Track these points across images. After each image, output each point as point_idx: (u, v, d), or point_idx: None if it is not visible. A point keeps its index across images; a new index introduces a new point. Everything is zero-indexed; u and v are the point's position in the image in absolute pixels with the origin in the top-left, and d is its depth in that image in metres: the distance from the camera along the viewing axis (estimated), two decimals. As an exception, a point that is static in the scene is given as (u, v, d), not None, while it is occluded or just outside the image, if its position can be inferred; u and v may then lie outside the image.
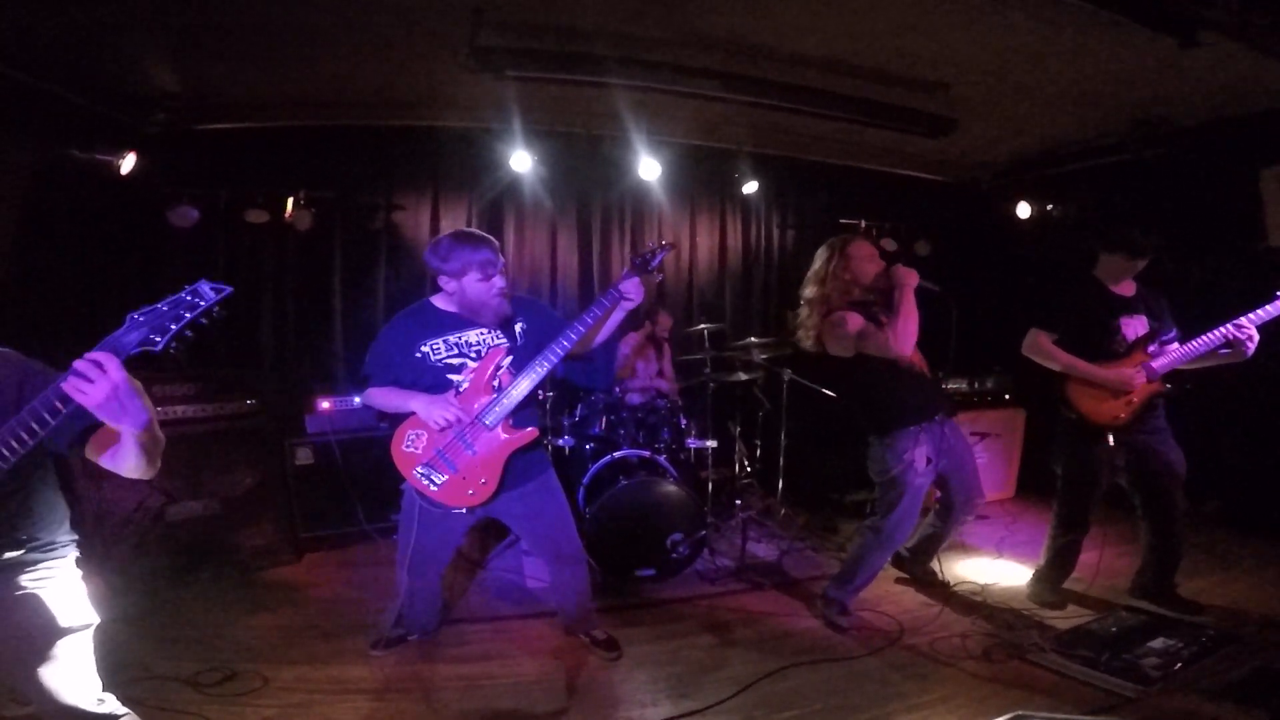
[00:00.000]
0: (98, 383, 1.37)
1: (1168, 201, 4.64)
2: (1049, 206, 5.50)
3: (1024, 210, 5.59)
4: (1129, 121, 4.49)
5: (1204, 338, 3.01)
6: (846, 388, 3.31)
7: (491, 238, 2.67)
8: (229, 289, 1.47)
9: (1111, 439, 3.12)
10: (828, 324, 3.10)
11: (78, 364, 1.37)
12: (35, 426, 1.45)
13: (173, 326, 1.43)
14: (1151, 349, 3.12)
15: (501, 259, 2.67)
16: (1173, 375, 3.12)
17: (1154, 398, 3.14)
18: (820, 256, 3.23)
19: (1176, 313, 3.26)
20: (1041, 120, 4.66)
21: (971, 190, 6.08)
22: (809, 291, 3.22)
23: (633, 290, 2.64)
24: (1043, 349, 3.23)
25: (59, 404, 1.43)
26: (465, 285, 2.62)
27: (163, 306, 1.44)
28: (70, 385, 1.37)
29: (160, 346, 1.43)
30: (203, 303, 1.44)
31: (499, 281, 2.65)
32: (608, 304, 2.67)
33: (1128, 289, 3.24)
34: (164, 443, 1.67)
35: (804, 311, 3.23)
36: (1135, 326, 3.18)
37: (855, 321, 3.03)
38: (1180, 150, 4.55)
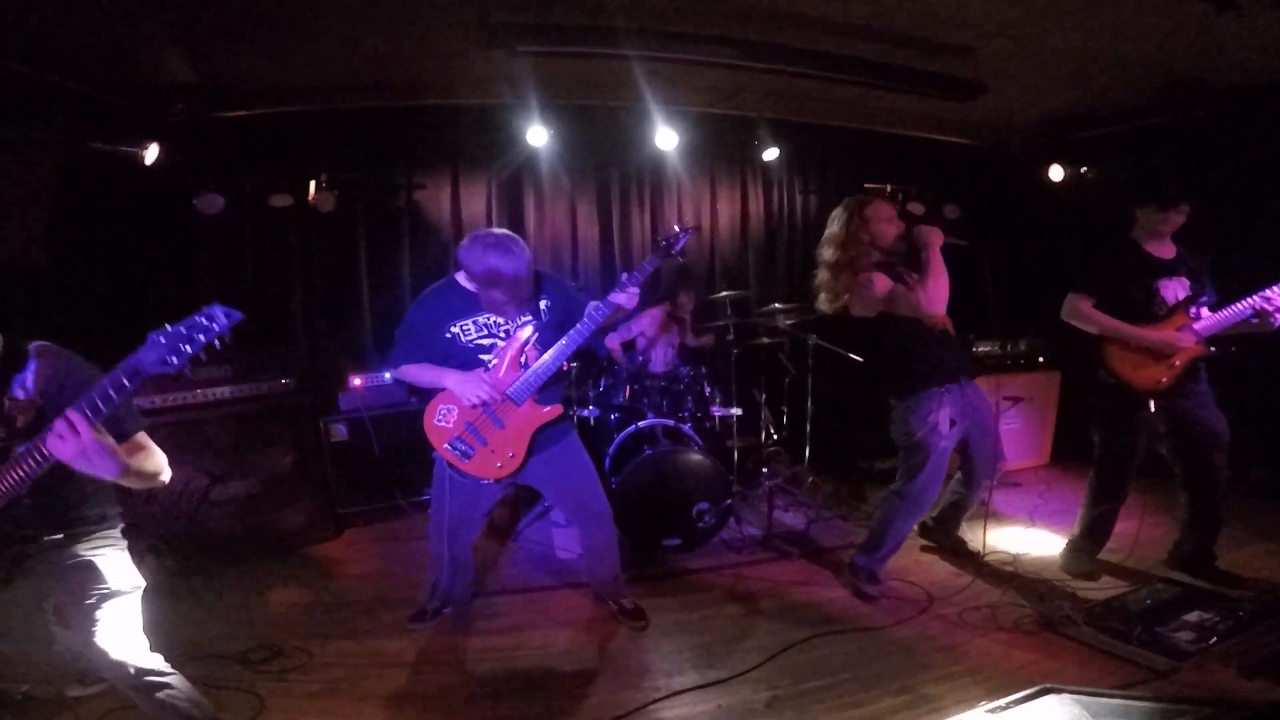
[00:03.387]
0: (68, 441, 1.55)
1: (1208, 165, 4.44)
2: (1083, 169, 5.32)
3: (1057, 173, 5.43)
4: (1164, 84, 4.30)
5: (1234, 307, 2.93)
6: (870, 350, 3.25)
7: (523, 247, 2.66)
8: (240, 315, 1.60)
9: (1152, 405, 3.06)
10: (853, 286, 3.03)
11: (57, 423, 1.55)
12: None
13: (187, 349, 1.56)
14: (1193, 312, 3.03)
15: (530, 269, 2.70)
16: (1216, 338, 3.02)
17: (1196, 361, 3.05)
18: (838, 219, 3.16)
19: (1220, 277, 3.15)
20: (1072, 83, 4.47)
21: (1001, 153, 5.87)
22: (827, 254, 3.16)
23: (628, 300, 2.71)
24: (1082, 313, 3.16)
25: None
26: (485, 292, 2.73)
27: (180, 328, 1.56)
28: (52, 439, 1.56)
29: (176, 367, 1.56)
30: (216, 327, 1.57)
31: (523, 293, 2.73)
32: (601, 317, 2.70)
33: (1167, 251, 3.14)
34: (153, 476, 1.84)
35: (822, 274, 3.18)
36: (1175, 289, 3.08)
37: (882, 284, 2.98)
38: (1220, 113, 4.34)
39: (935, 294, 2.92)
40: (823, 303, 3.19)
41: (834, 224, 3.17)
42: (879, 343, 3.16)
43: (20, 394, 1.74)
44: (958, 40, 3.89)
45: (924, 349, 3.07)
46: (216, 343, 1.57)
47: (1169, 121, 4.55)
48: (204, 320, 1.56)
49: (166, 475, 1.87)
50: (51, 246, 3.84)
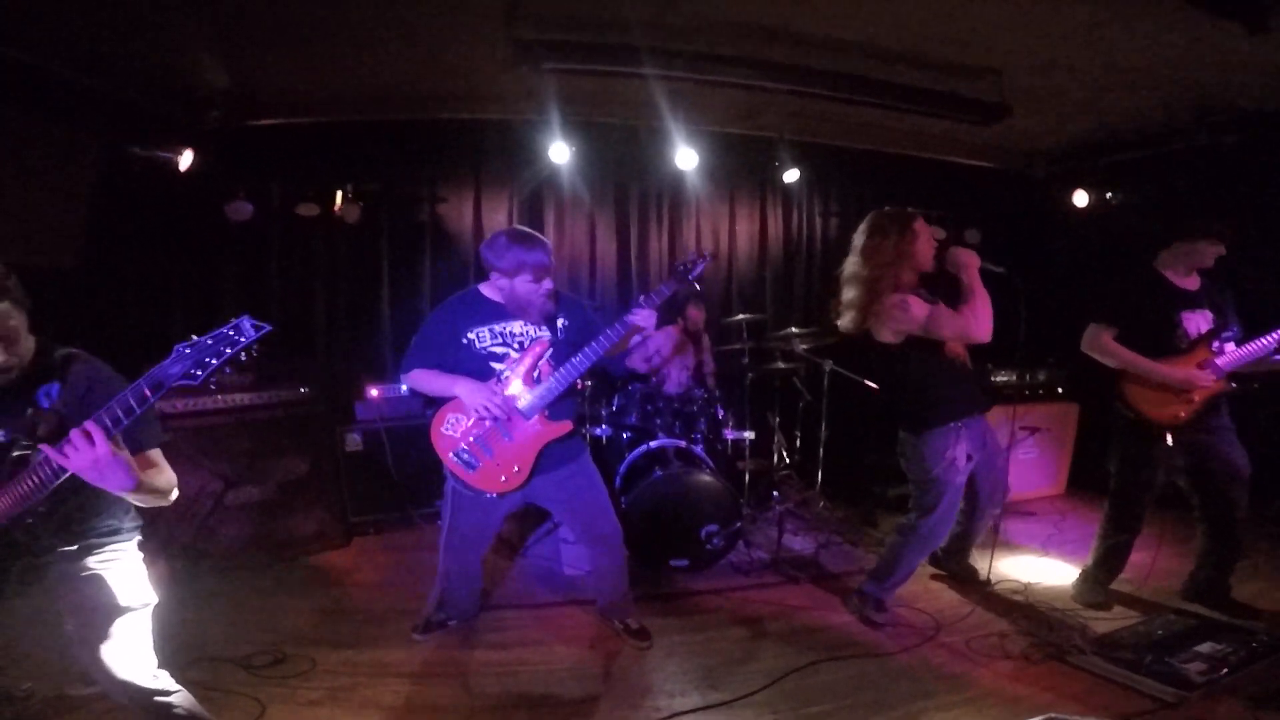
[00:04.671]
0: (82, 452, 1.48)
1: (1237, 190, 4.40)
2: (1108, 195, 5.29)
3: (1081, 199, 5.39)
4: (1193, 108, 4.27)
5: (1258, 342, 2.90)
6: (887, 379, 3.12)
7: (546, 240, 2.72)
8: (268, 327, 1.55)
9: (1170, 439, 3.01)
10: (885, 307, 2.87)
11: (74, 433, 1.49)
12: None
13: (212, 361, 1.52)
14: (1215, 346, 2.99)
15: (553, 265, 2.73)
16: (1239, 374, 2.98)
17: (1217, 397, 3.01)
18: (877, 230, 2.95)
19: (1247, 308, 3.12)
20: (1099, 106, 4.47)
21: (1025, 177, 5.87)
22: (864, 270, 2.93)
23: (644, 320, 2.69)
24: (1102, 346, 3.11)
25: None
26: (516, 284, 2.70)
27: (206, 340, 1.52)
28: (67, 449, 1.50)
29: (200, 380, 1.52)
30: (243, 339, 1.52)
31: (548, 284, 2.72)
32: (617, 336, 2.69)
33: (1192, 283, 3.10)
34: (163, 493, 1.78)
35: (855, 291, 2.97)
36: (1198, 322, 3.04)
37: (920, 308, 2.85)
38: (1250, 137, 4.30)
39: (983, 317, 2.81)
40: (848, 321, 3.02)
41: (874, 236, 2.95)
42: (898, 372, 3.04)
43: (45, 402, 1.72)
44: (983, 63, 3.91)
45: (943, 382, 3.00)
46: (243, 355, 1.54)
47: (1200, 146, 4.52)
48: (230, 332, 1.53)
49: (174, 495, 1.82)
50: (85, 249, 3.94)
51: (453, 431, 2.76)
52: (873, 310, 2.92)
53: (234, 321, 1.54)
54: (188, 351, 1.52)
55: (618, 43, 3.64)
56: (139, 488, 1.63)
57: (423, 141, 5.05)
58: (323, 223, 4.93)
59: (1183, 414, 2.99)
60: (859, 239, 3.03)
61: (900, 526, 3.22)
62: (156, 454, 1.83)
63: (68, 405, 1.71)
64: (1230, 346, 2.98)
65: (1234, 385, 2.99)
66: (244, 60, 3.82)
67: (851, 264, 3.03)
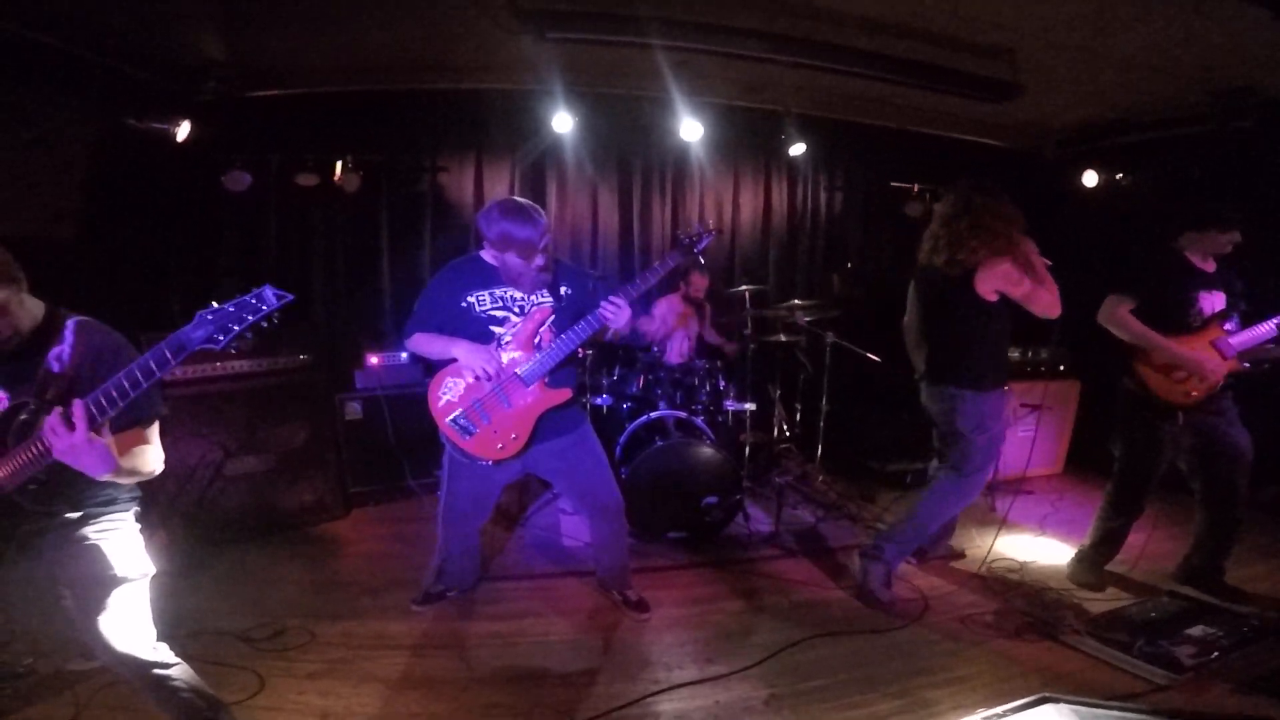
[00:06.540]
0: (61, 435, 1.50)
1: (1252, 175, 4.33)
2: (1118, 176, 5.22)
3: (1091, 179, 5.32)
4: (1209, 91, 4.18)
5: (1260, 327, 2.93)
6: (961, 330, 3.08)
7: (541, 216, 2.66)
8: (290, 296, 1.58)
9: (1181, 418, 3.03)
10: (1001, 271, 2.93)
11: (52, 415, 1.51)
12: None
13: (235, 327, 1.54)
14: (1228, 326, 3.02)
15: (546, 238, 2.67)
16: (1250, 355, 3.00)
17: (1228, 376, 3.01)
18: (993, 193, 3.00)
19: (1263, 293, 3.13)
20: (1112, 88, 4.38)
21: (1033, 157, 5.78)
22: (984, 220, 2.95)
23: (613, 316, 2.59)
24: (1119, 319, 3.09)
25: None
26: (505, 258, 2.68)
27: (229, 307, 1.54)
28: (46, 429, 1.52)
29: (222, 345, 1.55)
30: (265, 307, 1.55)
31: (538, 261, 2.68)
32: (588, 330, 2.64)
33: (1209, 265, 3.12)
34: (144, 475, 1.78)
35: (967, 231, 2.96)
36: (1213, 301, 3.06)
37: (1025, 282, 2.93)
38: (1268, 122, 4.21)
39: (1058, 297, 2.95)
40: (960, 255, 2.97)
41: (991, 196, 2.99)
42: (978, 327, 3.03)
43: (56, 367, 1.71)
44: (996, 41, 3.83)
45: (1005, 347, 3.14)
46: (264, 323, 1.57)
47: (1213, 129, 4.44)
48: (253, 300, 1.55)
49: (157, 470, 1.81)
50: (81, 220, 3.90)
51: (450, 396, 2.73)
52: (988, 258, 2.95)
53: (257, 290, 1.56)
54: (210, 318, 1.54)
55: (622, 12, 3.56)
56: (118, 472, 1.63)
57: (424, 111, 4.98)
58: (322, 192, 4.86)
59: (1196, 393, 3.00)
60: (968, 194, 3.03)
61: (938, 478, 3.22)
62: (153, 430, 1.82)
63: (78, 370, 1.71)
64: (1246, 331, 3.00)
65: (1247, 365, 3.00)
66: (241, 31, 3.74)
67: (981, 211, 2.98)
